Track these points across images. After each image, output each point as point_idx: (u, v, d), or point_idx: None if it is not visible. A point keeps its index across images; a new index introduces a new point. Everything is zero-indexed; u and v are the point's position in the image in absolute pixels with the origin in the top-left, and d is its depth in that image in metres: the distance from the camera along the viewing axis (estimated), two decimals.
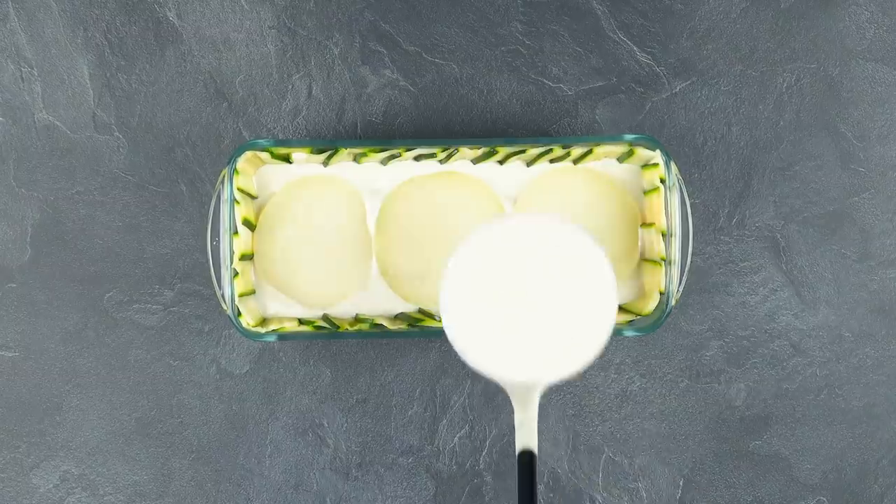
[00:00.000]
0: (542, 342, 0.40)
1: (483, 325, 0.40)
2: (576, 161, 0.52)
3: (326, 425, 0.56)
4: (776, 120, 0.56)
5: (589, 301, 0.41)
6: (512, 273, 0.40)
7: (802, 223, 0.56)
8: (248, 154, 0.50)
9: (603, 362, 0.56)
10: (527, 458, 0.36)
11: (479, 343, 0.40)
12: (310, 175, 0.53)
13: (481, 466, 0.56)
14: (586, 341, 0.40)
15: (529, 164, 0.52)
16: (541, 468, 0.56)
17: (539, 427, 0.55)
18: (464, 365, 0.56)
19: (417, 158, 0.52)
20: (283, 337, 0.51)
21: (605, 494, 0.56)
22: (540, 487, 0.55)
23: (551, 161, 0.52)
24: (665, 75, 0.56)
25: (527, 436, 0.38)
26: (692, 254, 0.52)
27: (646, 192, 0.53)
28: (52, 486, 0.56)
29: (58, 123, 0.56)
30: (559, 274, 0.41)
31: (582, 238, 0.41)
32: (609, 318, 0.40)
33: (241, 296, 0.50)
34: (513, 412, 0.39)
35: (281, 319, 0.53)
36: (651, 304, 0.52)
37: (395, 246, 0.52)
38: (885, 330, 0.56)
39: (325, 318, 0.52)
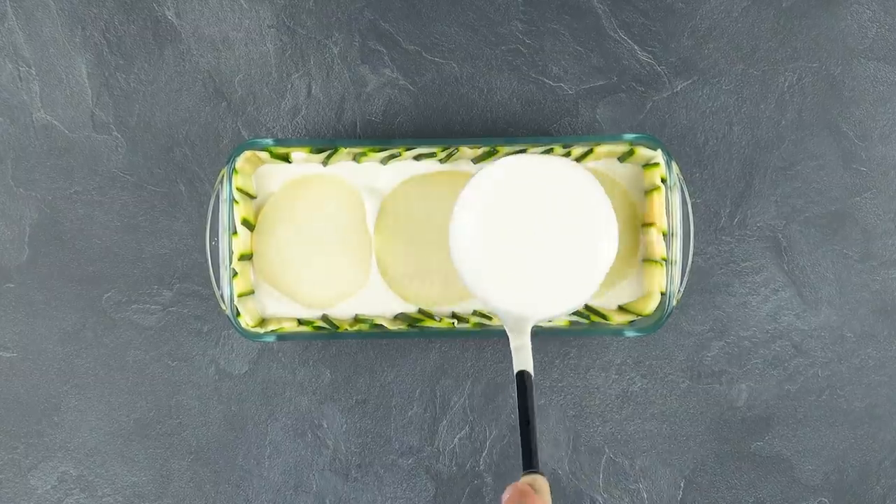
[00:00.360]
0: (536, 278, 0.43)
1: (484, 254, 0.43)
2: (577, 160, 0.52)
3: (326, 426, 0.56)
4: (778, 119, 0.56)
5: (585, 246, 0.43)
6: (517, 208, 0.43)
7: (804, 223, 0.56)
8: (247, 153, 0.50)
9: (604, 363, 0.56)
10: (524, 377, 0.40)
11: (478, 271, 0.43)
12: (309, 175, 0.52)
13: (481, 467, 0.56)
14: (578, 285, 0.43)
15: None
16: (542, 469, 0.56)
17: (539, 429, 0.55)
18: (464, 365, 0.56)
19: (417, 158, 0.52)
20: (283, 337, 0.51)
21: (605, 495, 0.56)
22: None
23: None
24: (666, 74, 0.56)
25: (523, 359, 0.41)
26: (693, 254, 0.52)
27: (647, 192, 0.52)
28: (50, 487, 0.56)
29: (56, 123, 0.56)
30: (562, 215, 0.43)
31: (589, 184, 0.44)
32: (601, 267, 0.43)
33: (240, 296, 0.50)
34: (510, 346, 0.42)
35: (280, 320, 0.52)
36: (652, 305, 0.52)
37: (395, 246, 0.52)
38: (887, 330, 0.56)
39: (325, 318, 0.52)
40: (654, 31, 0.56)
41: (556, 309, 0.43)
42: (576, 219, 0.43)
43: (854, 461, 0.56)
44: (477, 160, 0.52)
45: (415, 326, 0.51)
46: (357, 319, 0.52)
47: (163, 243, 0.56)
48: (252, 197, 0.52)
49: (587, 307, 0.52)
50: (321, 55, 0.56)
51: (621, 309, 0.53)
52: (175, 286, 0.56)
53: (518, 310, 0.43)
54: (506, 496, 0.36)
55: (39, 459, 0.56)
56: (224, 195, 0.49)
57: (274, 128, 0.56)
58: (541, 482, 0.37)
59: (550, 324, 0.51)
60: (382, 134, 0.56)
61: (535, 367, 0.56)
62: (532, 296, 0.43)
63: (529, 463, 0.38)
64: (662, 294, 0.51)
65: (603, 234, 0.43)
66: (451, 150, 0.51)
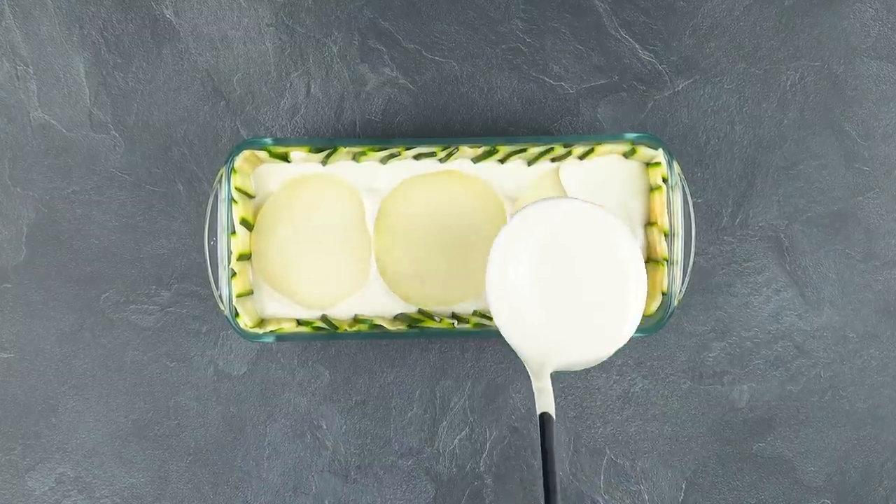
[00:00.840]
0: (560, 327, 0.43)
1: (514, 296, 0.43)
2: (580, 159, 0.52)
3: (325, 427, 0.56)
4: (780, 118, 0.56)
5: (614, 301, 0.43)
6: (552, 256, 0.43)
7: (806, 223, 0.56)
8: (246, 153, 0.50)
9: (604, 363, 0.56)
10: (544, 419, 0.40)
11: (507, 312, 0.43)
12: (308, 174, 0.52)
13: (481, 469, 0.56)
14: (602, 339, 0.43)
15: (530, 163, 0.52)
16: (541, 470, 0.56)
17: (534, 424, 0.55)
18: (464, 366, 0.56)
19: (417, 157, 0.52)
20: (282, 338, 0.50)
21: (606, 497, 0.56)
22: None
23: (552, 160, 0.52)
24: (667, 73, 0.56)
25: (545, 401, 0.41)
26: (695, 254, 0.51)
27: (649, 192, 0.52)
28: (47, 488, 0.56)
29: (53, 122, 0.55)
30: (595, 267, 0.43)
31: (624, 238, 0.43)
32: (629, 326, 0.43)
33: (238, 296, 0.50)
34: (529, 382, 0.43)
35: (279, 320, 0.52)
36: (653, 305, 0.51)
37: (395, 246, 0.52)
38: (889, 331, 0.56)
39: (324, 318, 0.52)
40: (655, 29, 0.55)
41: (577, 360, 0.43)
42: (608, 273, 0.43)
43: (857, 462, 0.56)
44: (477, 160, 0.52)
45: (414, 327, 0.51)
46: (356, 320, 0.52)
47: (161, 243, 0.55)
48: (251, 196, 0.52)
49: None
50: (320, 54, 0.55)
51: None
52: (173, 286, 0.55)
53: (538, 356, 0.43)
54: None
55: (37, 461, 0.56)
56: (223, 195, 0.49)
57: (273, 127, 0.55)
58: None
59: None
60: (382, 133, 0.56)
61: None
62: (554, 344, 0.43)
63: None
64: (664, 294, 0.50)
65: (632, 291, 0.43)
66: (452, 149, 0.50)
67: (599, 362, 0.44)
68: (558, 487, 0.39)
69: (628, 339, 0.43)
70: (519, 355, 0.44)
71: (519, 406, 0.56)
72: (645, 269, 0.43)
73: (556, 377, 0.56)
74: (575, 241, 0.43)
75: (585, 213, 0.43)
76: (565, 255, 0.43)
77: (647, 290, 0.44)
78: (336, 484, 0.56)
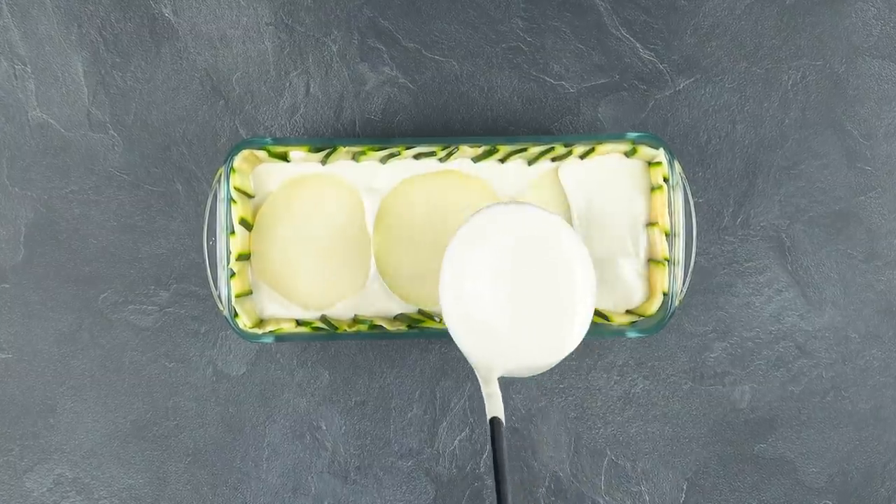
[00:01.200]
0: (507, 332, 0.43)
1: (465, 300, 0.43)
2: (581, 158, 0.52)
3: (325, 428, 0.56)
4: (781, 118, 0.55)
5: (563, 312, 0.43)
6: (505, 262, 0.43)
7: (808, 223, 0.56)
8: (245, 152, 0.49)
9: (605, 364, 0.56)
10: (494, 424, 0.41)
11: (457, 317, 0.43)
12: (308, 174, 0.52)
13: (482, 470, 0.56)
14: (548, 345, 0.43)
15: (531, 162, 0.52)
16: (542, 471, 0.56)
17: (537, 433, 0.55)
18: (464, 367, 0.55)
19: (417, 157, 0.51)
20: (281, 338, 0.50)
21: (607, 498, 0.56)
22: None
23: (553, 160, 0.51)
24: (668, 72, 0.55)
25: (494, 406, 0.42)
26: (696, 254, 0.51)
27: (650, 191, 0.52)
28: (45, 489, 0.56)
29: (52, 121, 0.55)
30: (544, 274, 0.43)
31: (579, 252, 0.43)
32: (576, 335, 0.43)
33: (237, 296, 0.50)
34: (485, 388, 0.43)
35: (278, 320, 0.52)
36: (654, 305, 0.51)
37: (395, 246, 0.52)
38: (892, 331, 0.56)
39: (324, 319, 0.52)
40: (656, 28, 0.55)
41: (524, 366, 0.43)
42: (557, 281, 0.43)
43: (859, 463, 0.56)
44: (477, 159, 0.51)
45: (414, 327, 0.51)
46: (356, 320, 0.52)
47: (160, 243, 0.55)
48: (250, 196, 0.52)
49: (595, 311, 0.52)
50: (320, 53, 0.55)
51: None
52: (172, 287, 0.55)
53: (486, 361, 0.43)
54: None
55: (35, 462, 0.56)
56: (222, 194, 0.48)
57: (272, 126, 0.55)
58: None
59: None
60: (382, 133, 0.55)
61: None
62: (501, 350, 0.43)
63: None
64: (665, 294, 0.50)
65: (579, 300, 0.43)
66: (451, 149, 0.50)
67: (547, 369, 0.44)
68: (510, 495, 0.39)
69: (575, 347, 0.43)
70: (468, 360, 0.44)
71: (519, 407, 0.56)
72: (594, 279, 0.43)
73: (560, 378, 0.56)
74: (527, 248, 0.43)
75: (537, 219, 0.43)
76: (517, 261, 0.43)
77: (594, 299, 0.43)
78: (336, 485, 0.56)
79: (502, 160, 0.52)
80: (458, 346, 0.43)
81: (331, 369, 0.56)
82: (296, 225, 0.52)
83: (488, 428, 0.41)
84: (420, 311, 0.52)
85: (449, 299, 0.43)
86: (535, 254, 0.43)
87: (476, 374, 0.44)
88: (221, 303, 0.49)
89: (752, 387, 0.56)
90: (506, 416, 0.56)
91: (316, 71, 0.55)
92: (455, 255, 0.43)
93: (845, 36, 0.55)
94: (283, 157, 0.51)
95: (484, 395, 0.43)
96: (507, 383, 0.55)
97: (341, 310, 0.52)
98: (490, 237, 0.43)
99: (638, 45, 0.55)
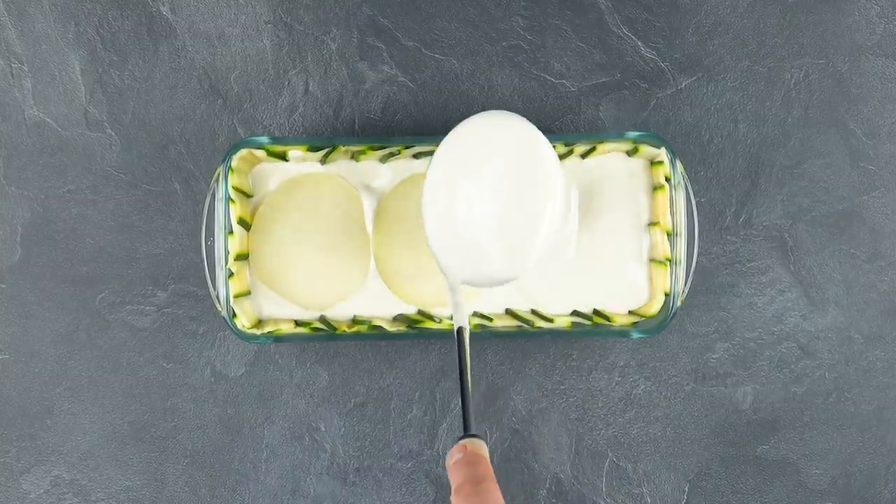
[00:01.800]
0: (477, 241, 0.43)
1: (440, 203, 0.44)
2: (582, 157, 0.51)
3: (324, 429, 0.55)
4: (784, 117, 0.55)
5: (529, 226, 0.43)
6: (481, 171, 0.43)
7: (811, 222, 0.55)
8: (244, 152, 0.49)
9: (607, 365, 0.55)
10: (462, 333, 0.43)
11: (432, 216, 0.44)
12: (306, 173, 0.51)
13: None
14: (512, 259, 0.43)
15: None
16: (543, 473, 0.55)
17: (538, 435, 0.55)
18: None
19: (417, 156, 0.51)
20: (279, 339, 0.50)
21: (608, 500, 0.55)
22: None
23: None
24: (670, 71, 0.55)
25: (462, 315, 0.44)
26: (698, 254, 0.51)
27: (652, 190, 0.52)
28: (42, 491, 0.55)
29: (49, 120, 0.55)
30: (518, 188, 0.43)
31: (553, 167, 0.43)
32: (537, 249, 0.43)
33: (236, 297, 0.49)
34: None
35: (277, 321, 0.51)
36: (656, 306, 0.51)
37: (394, 245, 0.51)
38: (895, 332, 0.55)
39: (322, 319, 0.51)
40: (657, 26, 0.55)
41: (485, 274, 0.44)
42: (528, 194, 0.43)
43: (862, 465, 0.55)
44: None
45: (414, 328, 0.50)
46: (355, 321, 0.51)
47: (157, 243, 0.55)
48: (248, 196, 0.51)
49: (595, 311, 0.52)
50: (319, 51, 0.55)
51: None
52: (170, 287, 0.55)
53: (453, 265, 0.44)
54: (452, 461, 0.38)
55: (32, 463, 0.55)
56: (220, 194, 0.48)
57: (271, 125, 0.55)
58: (481, 445, 0.38)
59: (552, 325, 0.51)
60: (381, 132, 0.55)
61: (537, 369, 0.55)
62: (467, 256, 0.44)
63: (469, 426, 0.39)
64: (666, 295, 0.50)
65: (547, 215, 0.43)
66: None
67: (510, 281, 0.44)
68: (471, 405, 0.40)
69: (534, 262, 0.43)
70: (439, 266, 0.45)
71: (519, 408, 0.55)
72: (565, 191, 0.44)
73: (560, 379, 0.55)
74: (503, 159, 0.43)
75: (515, 128, 0.43)
76: (493, 171, 0.43)
77: (559, 220, 0.43)
78: (335, 486, 0.55)
79: None
80: (433, 249, 0.44)
81: (330, 370, 0.55)
82: (295, 225, 0.51)
83: (455, 338, 0.43)
84: (420, 312, 0.51)
85: (428, 197, 0.44)
86: (511, 167, 0.43)
87: (446, 281, 0.45)
88: (220, 303, 0.48)
89: (755, 388, 0.55)
90: (506, 417, 0.55)
91: (315, 69, 0.55)
92: (440, 157, 0.44)
93: (848, 34, 0.55)
94: (282, 157, 0.51)
95: (451, 304, 0.44)
96: (506, 385, 0.55)
97: (340, 310, 0.52)
98: (470, 145, 0.44)
99: (639, 43, 0.55)
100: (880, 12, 0.55)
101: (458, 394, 0.40)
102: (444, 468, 0.55)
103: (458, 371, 0.42)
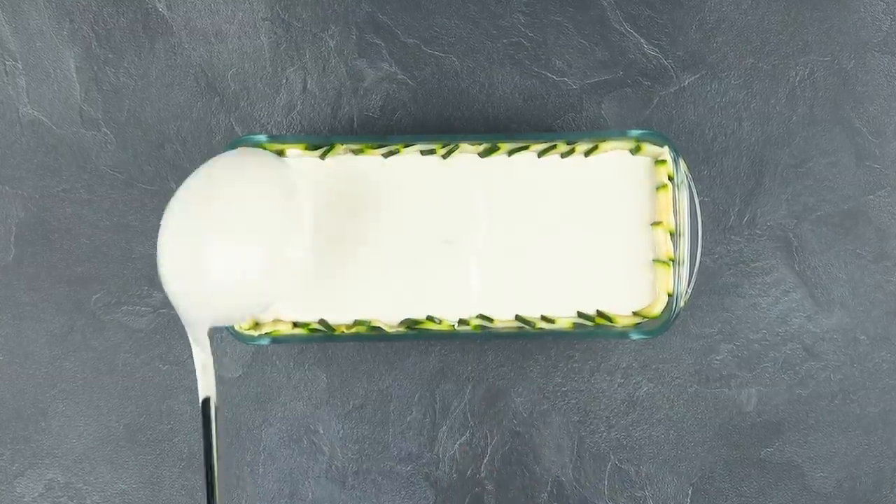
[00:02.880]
0: (212, 282, 0.40)
1: (177, 257, 0.40)
2: (585, 155, 0.51)
3: (322, 432, 0.55)
4: (789, 115, 0.54)
5: (255, 253, 0.41)
6: (207, 210, 0.40)
7: (816, 222, 0.55)
8: None
9: (609, 367, 0.55)
10: (208, 405, 0.38)
11: (171, 275, 0.40)
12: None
13: (482, 475, 0.55)
14: (243, 293, 0.41)
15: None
16: (544, 476, 0.55)
17: (539, 437, 0.54)
18: (464, 369, 0.55)
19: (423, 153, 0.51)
20: (277, 340, 0.49)
21: (610, 503, 0.55)
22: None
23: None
24: (673, 68, 0.54)
25: (208, 381, 0.39)
26: (701, 254, 0.50)
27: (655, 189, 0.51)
28: (37, 494, 0.55)
29: (43, 119, 0.54)
30: (239, 213, 0.41)
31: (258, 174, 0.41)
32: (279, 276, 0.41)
33: None
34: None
35: (274, 322, 0.51)
36: (658, 306, 0.50)
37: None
38: None
39: (321, 320, 0.51)
40: (660, 23, 0.54)
41: (225, 315, 0.41)
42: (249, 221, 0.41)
43: (868, 468, 0.55)
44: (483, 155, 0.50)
45: (414, 329, 0.50)
46: (354, 322, 0.51)
47: (154, 243, 0.54)
48: None
49: (597, 312, 0.51)
50: (317, 49, 0.54)
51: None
52: None
53: (183, 312, 0.40)
54: None
55: (26, 466, 0.55)
56: None
57: (268, 124, 0.54)
58: None
59: (554, 326, 0.50)
60: (380, 130, 0.54)
61: (538, 370, 0.55)
62: (203, 299, 0.40)
63: None
64: (669, 295, 0.49)
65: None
66: (452, 146, 0.49)
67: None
68: (217, 487, 0.36)
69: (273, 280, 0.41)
70: (183, 319, 0.40)
71: (520, 410, 0.55)
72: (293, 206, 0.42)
73: (562, 381, 0.55)
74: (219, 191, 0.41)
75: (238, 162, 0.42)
76: (214, 207, 0.41)
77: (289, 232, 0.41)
78: (333, 490, 0.55)
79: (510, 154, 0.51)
80: (174, 301, 0.40)
81: (328, 372, 0.55)
82: None
83: (200, 410, 0.38)
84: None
85: (166, 261, 0.40)
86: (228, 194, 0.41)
87: (188, 334, 0.40)
88: None
89: (759, 390, 0.55)
90: (507, 419, 0.55)
91: (313, 67, 0.54)
92: (174, 218, 0.41)
93: (854, 31, 0.54)
94: (280, 155, 0.50)
95: (197, 363, 0.39)
96: (507, 387, 0.54)
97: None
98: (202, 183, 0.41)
99: (642, 40, 0.54)
100: (886, 8, 0.54)
101: (206, 476, 0.36)
102: (444, 472, 0.55)
103: (202, 452, 0.37)
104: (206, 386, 0.39)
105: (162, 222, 0.41)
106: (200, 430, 0.36)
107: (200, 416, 0.38)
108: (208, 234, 0.40)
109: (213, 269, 0.40)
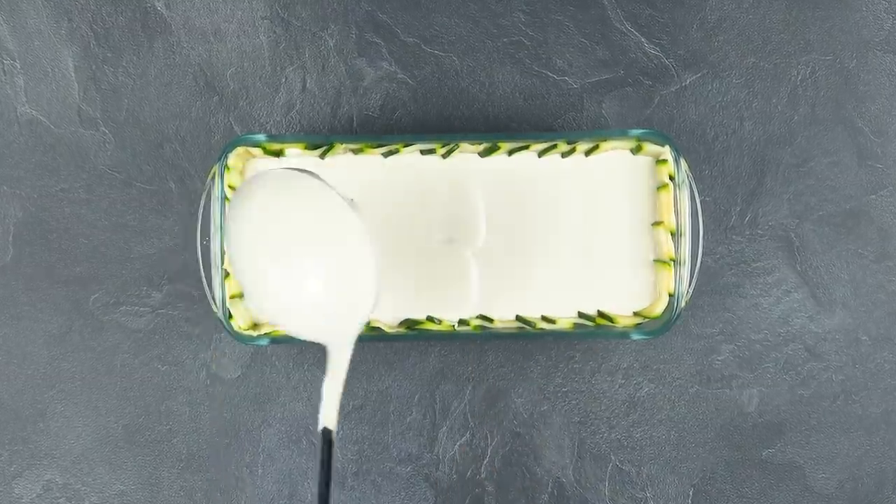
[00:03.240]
0: (318, 299, 0.39)
1: (267, 285, 0.39)
2: (586, 155, 0.50)
3: None
4: (790, 114, 0.54)
5: (351, 270, 0.39)
6: (280, 230, 0.39)
7: (818, 222, 0.54)
8: (240, 150, 0.48)
9: (610, 367, 0.54)
10: (330, 437, 0.35)
11: (267, 303, 0.39)
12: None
13: (482, 475, 0.54)
14: (356, 301, 0.39)
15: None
16: (545, 477, 0.54)
17: (540, 438, 0.54)
18: (464, 369, 0.54)
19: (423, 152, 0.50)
20: (276, 340, 0.49)
21: None
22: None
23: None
24: (674, 67, 0.54)
25: (331, 409, 0.36)
26: (702, 254, 0.50)
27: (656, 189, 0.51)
28: (35, 495, 0.54)
29: (41, 118, 0.54)
30: (320, 235, 0.39)
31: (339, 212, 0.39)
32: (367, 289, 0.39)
33: (232, 297, 0.48)
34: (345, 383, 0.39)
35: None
36: (660, 307, 0.50)
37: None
38: None
39: None
40: (661, 22, 0.54)
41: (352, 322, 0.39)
42: (335, 244, 0.40)
43: (870, 469, 0.55)
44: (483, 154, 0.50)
45: (414, 329, 0.50)
46: None
47: (152, 243, 0.54)
48: None
49: (598, 312, 0.51)
50: (316, 48, 0.54)
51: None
52: (165, 287, 0.54)
53: (313, 334, 0.39)
54: None
55: (24, 467, 0.54)
56: (216, 193, 0.47)
57: (267, 123, 0.54)
58: None
59: (554, 327, 0.50)
60: (380, 129, 0.54)
61: (538, 371, 0.54)
62: (325, 316, 0.39)
63: None
64: (670, 295, 0.49)
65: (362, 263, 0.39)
66: (452, 146, 0.49)
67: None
68: None
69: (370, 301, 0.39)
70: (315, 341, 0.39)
71: (521, 411, 0.54)
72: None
73: (562, 382, 0.54)
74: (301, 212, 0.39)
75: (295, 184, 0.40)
76: (290, 228, 0.39)
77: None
78: (333, 491, 0.54)
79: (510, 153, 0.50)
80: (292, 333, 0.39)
81: None
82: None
83: (322, 440, 0.34)
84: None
85: (256, 294, 0.39)
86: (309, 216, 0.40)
87: (328, 360, 0.38)
88: (215, 304, 0.47)
89: (760, 390, 0.54)
90: (507, 420, 0.54)
91: (312, 66, 0.54)
92: (238, 235, 0.40)
93: (856, 30, 0.54)
94: (279, 155, 0.50)
95: (326, 393, 0.36)
96: (507, 387, 0.54)
97: None
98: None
99: (643, 39, 0.54)
100: (888, 7, 0.54)
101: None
102: (444, 472, 0.54)
103: (318, 484, 0.34)
104: (329, 416, 0.36)
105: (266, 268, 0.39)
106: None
107: (319, 448, 0.35)
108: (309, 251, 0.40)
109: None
